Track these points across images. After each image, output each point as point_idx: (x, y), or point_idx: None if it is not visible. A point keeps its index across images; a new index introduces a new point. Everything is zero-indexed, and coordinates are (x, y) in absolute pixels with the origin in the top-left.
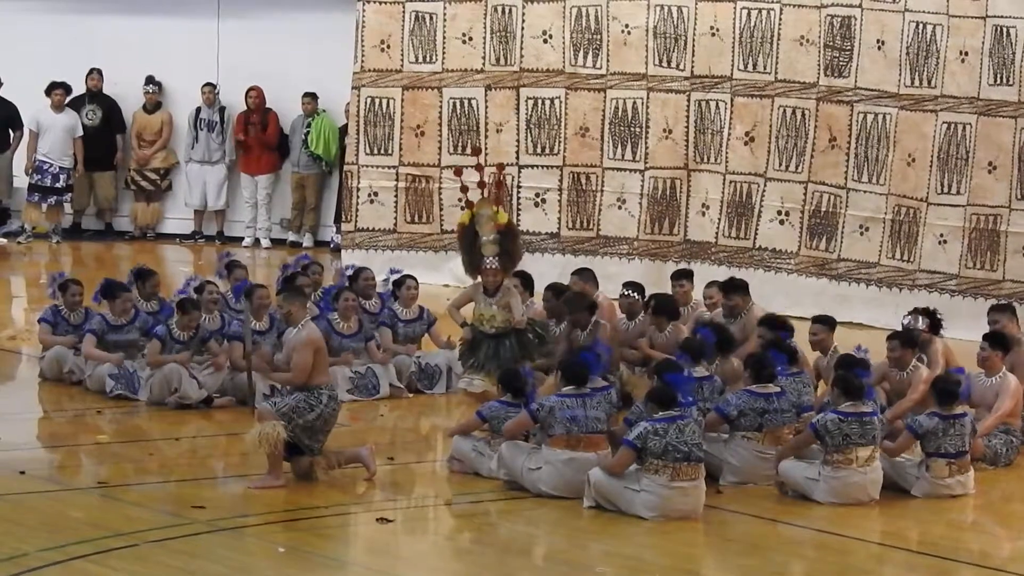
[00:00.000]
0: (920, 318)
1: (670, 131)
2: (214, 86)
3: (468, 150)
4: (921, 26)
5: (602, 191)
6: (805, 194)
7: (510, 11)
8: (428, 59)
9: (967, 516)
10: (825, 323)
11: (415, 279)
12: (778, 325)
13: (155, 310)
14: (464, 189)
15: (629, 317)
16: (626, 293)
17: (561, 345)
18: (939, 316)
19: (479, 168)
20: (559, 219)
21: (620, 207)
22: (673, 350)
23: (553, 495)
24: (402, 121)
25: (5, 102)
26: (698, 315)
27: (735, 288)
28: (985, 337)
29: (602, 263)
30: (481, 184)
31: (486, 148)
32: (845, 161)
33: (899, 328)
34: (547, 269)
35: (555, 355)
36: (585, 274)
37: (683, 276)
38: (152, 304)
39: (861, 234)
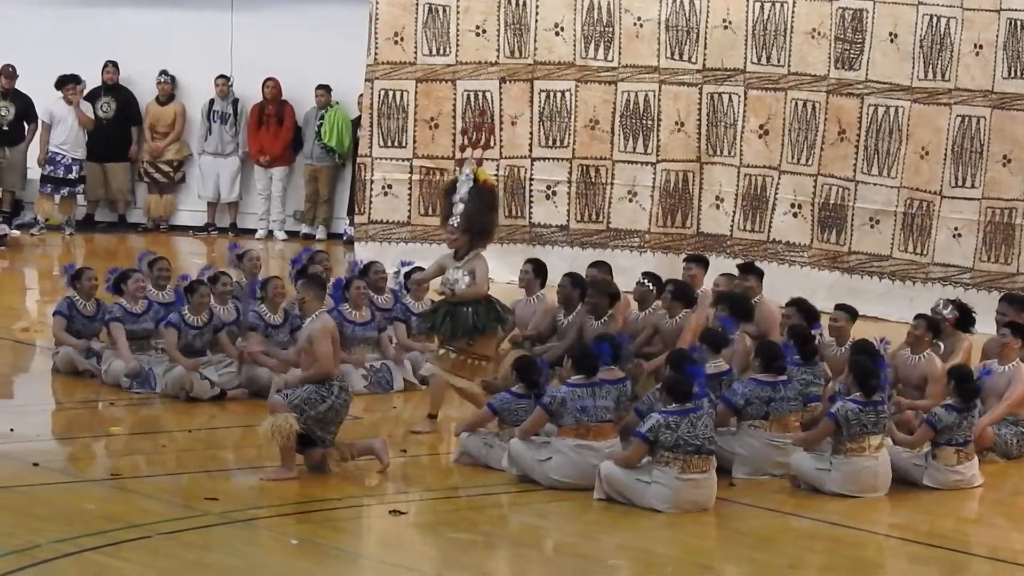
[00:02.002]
0: (951, 307)
1: (682, 124)
2: (227, 78)
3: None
4: (935, 19)
5: (612, 184)
6: (815, 187)
7: (523, 3)
8: (442, 52)
9: (978, 509)
10: (847, 312)
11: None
12: (807, 311)
13: (170, 300)
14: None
15: (641, 306)
16: (642, 282)
17: (572, 333)
18: (972, 314)
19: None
20: (568, 211)
21: (631, 200)
22: (678, 338)
23: (565, 484)
24: (416, 113)
25: (20, 95)
26: (703, 299)
27: (752, 270)
28: (1006, 324)
29: (612, 256)
30: (473, 143)
31: (501, 141)
32: (854, 154)
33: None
34: (556, 262)
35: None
36: (602, 267)
37: (694, 261)
38: (167, 294)
39: (871, 227)
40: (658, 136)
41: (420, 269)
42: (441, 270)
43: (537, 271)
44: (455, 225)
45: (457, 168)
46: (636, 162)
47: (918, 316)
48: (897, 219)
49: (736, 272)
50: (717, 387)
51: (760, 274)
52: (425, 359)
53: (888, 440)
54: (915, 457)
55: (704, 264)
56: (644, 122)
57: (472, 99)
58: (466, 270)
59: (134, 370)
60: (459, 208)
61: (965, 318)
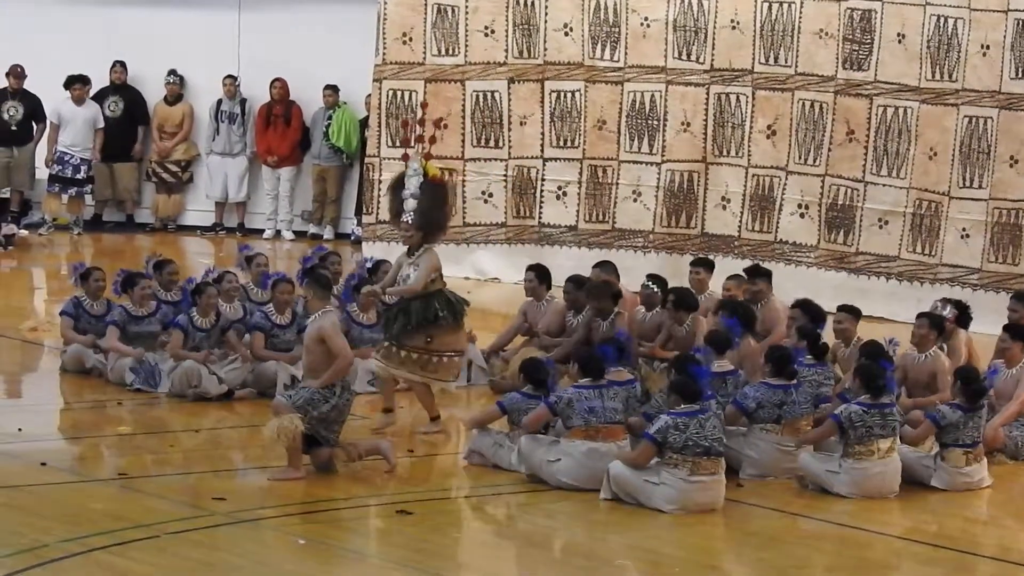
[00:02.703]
0: (950, 307)
1: (688, 124)
2: (235, 78)
3: (491, 143)
4: (942, 20)
5: (618, 184)
6: (822, 187)
7: (532, 3)
8: (451, 52)
9: (987, 510)
10: (850, 312)
11: None
12: (813, 312)
13: (176, 300)
14: (405, 142)
15: (647, 308)
16: (647, 284)
17: (578, 334)
18: (969, 311)
19: (418, 124)
20: (577, 212)
21: (636, 200)
22: (692, 344)
23: (573, 486)
24: (424, 114)
25: (29, 95)
26: (710, 302)
27: (760, 273)
28: (1005, 328)
29: (618, 256)
30: (419, 138)
31: (510, 141)
32: (863, 154)
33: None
34: (564, 262)
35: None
36: (607, 267)
37: (700, 264)
38: (174, 294)
39: (880, 227)
40: (663, 136)
41: None
42: (399, 267)
43: (540, 277)
44: (408, 222)
45: (406, 163)
46: (641, 162)
47: (920, 315)
48: (906, 220)
49: (744, 274)
50: (722, 386)
51: (768, 276)
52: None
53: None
54: (924, 458)
55: (710, 267)
56: (650, 122)
57: (481, 99)
58: (416, 266)
59: (139, 356)
60: (410, 204)
61: (964, 316)
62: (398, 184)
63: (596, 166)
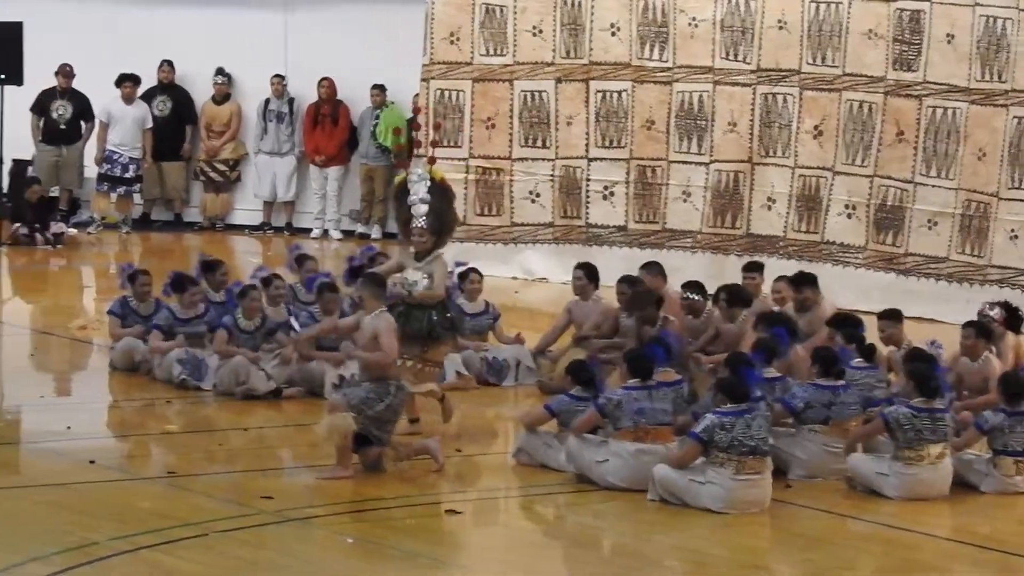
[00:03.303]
0: (998, 308)
1: (735, 124)
2: (283, 77)
3: (539, 143)
4: (992, 20)
5: (667, 184)
6: (871, 188)
7: (579, 4)
8: (499, 52)
9: None
10: (891, 317)
11: (479, 272)
12: (848, 324)
13: (222, 300)
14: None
15: (694, 317)
16: (686, 295)
17: (629, 340)
18: (1019, 312)
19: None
20: (626, 212)
21: (685, 200)
22: (739, 341)
23: (621, 487)
24: (472, 113)
25: (78, 94)
26: (761, 307)
27: (806, 281)
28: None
29: (667, 256)
30: (397, 131)
31: (557, 141)
32: (913, 155)
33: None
34: (614, 263)
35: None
36: (653, 268)
37: (754, 269)
38: (222, 295)
39: (929, 228)
40: (711, 136)
41: (474, 271)
42: (399, 268)
43: (589, 276)
44: (423, 226)
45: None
46: (690, 162)
47: (966, 324)
48: (955, 221)
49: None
50: (771, 391)
51: (814, 282)
52: (480, 357)
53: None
54: (977, 461)
55: (763, 271)
56: (698, 122)
57: (529, 99)
58: (425, 272)
59: (180, 344)
60: (421, 209)
61: (1013, 318)
62: (402, 191)
63: (644, 166)
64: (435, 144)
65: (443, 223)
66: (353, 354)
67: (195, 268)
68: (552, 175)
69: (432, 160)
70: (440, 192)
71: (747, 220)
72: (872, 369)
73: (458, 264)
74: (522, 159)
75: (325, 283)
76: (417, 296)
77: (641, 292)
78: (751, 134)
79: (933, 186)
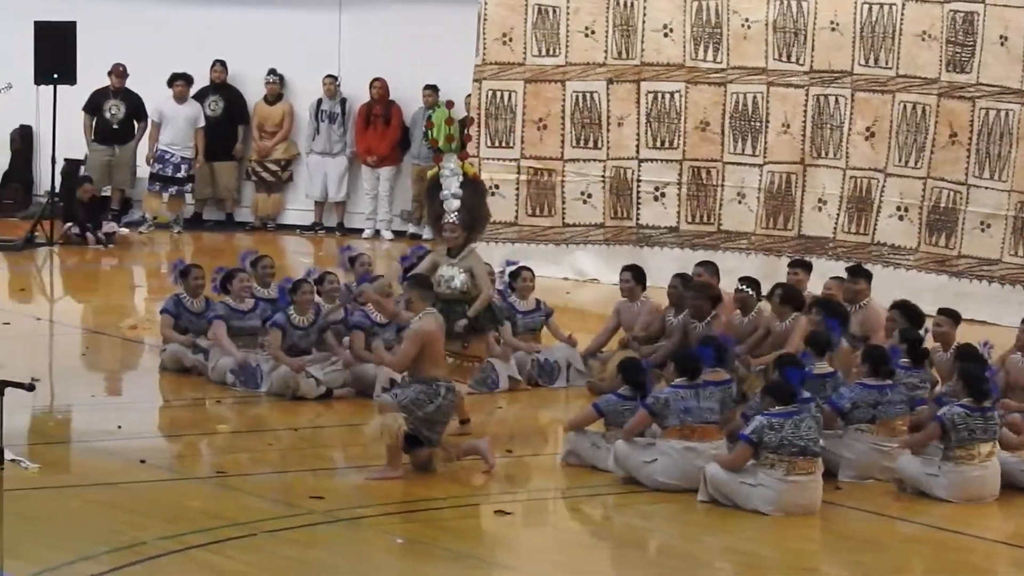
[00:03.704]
0: None
1: (788, 126)
2: (335, 78)
3: (590, 143)
4: None
5: (722, 185)
6: (924, 190)
7: (631, 4)
8: (551, 52)
9: None
10: (950, 316)
11: (531, 270)
12: (911, 314)
13: (273, 297)
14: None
15: (744, 312)
16: (741, 288)
17: (676, 335)
18: None
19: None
20: (678, 213)
21: (740, 201)
22: (786, 341)
23: (670, 486)
24: (524, 114)
25: (131, 93)
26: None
27: (861, 273)
28: None
29: (722, 257)
30: (449, 138)
31: (608, 142)
32: (966, 157)
33: None
34: (666, 263)
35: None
36: (709, 267)
37: (799, 265)
38: (270, 291)
39: (982, 231)
40: (765, 138)
41: (526, 268)
42: (433, 266)
43: (637, 278)
44: (455, 222)
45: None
46: (745, 164)
47: None
48: (1007, 223)
49: (845, 275)
50: (822, 388)
51: (869, 276)
52: (531, 359)
53: (998, 447)
54: (1023, 463)
55: (808, 268)
56: (753, 124)
57: (580, 100)
58: (462, 267)
59: (241, 362)
60: (453, 204)
61: None
62: (434, 186)
63: (698, 167)
64: (468, 139)
65: (475, 218)
66: (364, 355)
67: (240, 263)
68: (603, 176)
69: (464, 156)
70: (472, 187)
71: (799, 221)
72: (917, 369)
73: (509, 263)
74: (573, 160)
75: (376, 276)
76: (475, 309)
77: (702, 284)
78: (803, 135)
79: (986, 188)
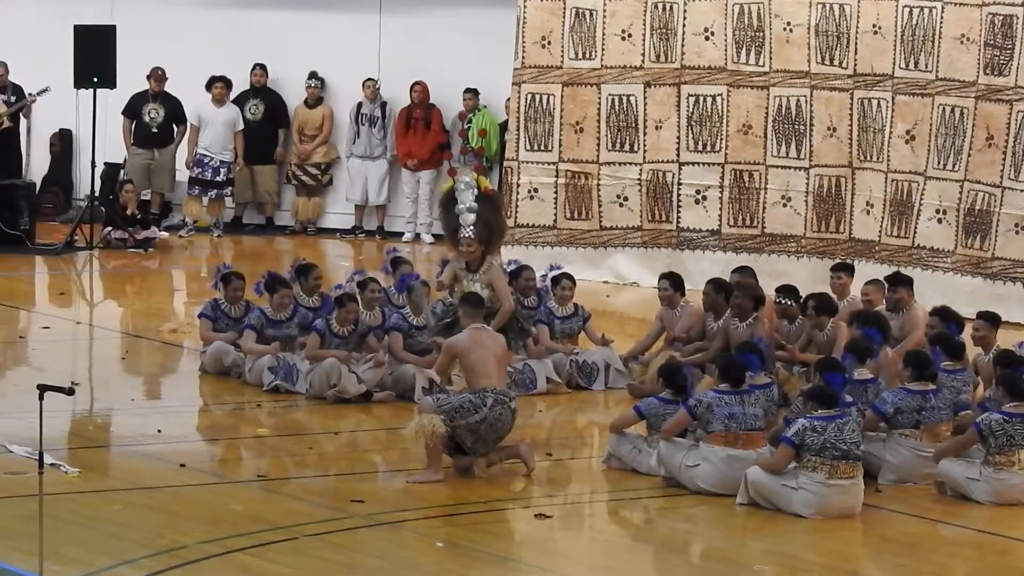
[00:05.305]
0: None
1: (834, 129)
2: (375, 81)
3: (626, 147)
4: None
5: (766, 188)
6: (961, 192)
7: (671, 8)
8: (588, 56)
9: None
10: (989, 319)
11: (572, 280)
12: (951, 318)
13: (316, 305)
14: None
15: (788, 322)
16: (779, 300)
17: (718, 340)
18: None
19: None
20: (720, 216)
21: (785, 205)
22: (832, 348)
23: (711, 492)
24: (562, 117)
25: (170, 97)
26: (850, 307)
27: (901, 281)
28: None
29: (769, 261)
30: (463, 150)
31: (644, 145)
32: (1001, 159)
33: None
34: (708, 266)
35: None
36: (746, 272)
37: (842, 269)
38: (314, 300)
39: (1016, 233)
40: (810, 141)
41: (567, 277)
42: (453, 279)
43: (675, 286)
44: (471, 236)
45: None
46: (789, 167)
47: None
48: None
49: (882, 278)
50: (863, 394)
51: (909, 284)
52: (570, 360)
53: None
54: None
55: (851, 271)
56: (796, 127)
57: (616, 103)
58: (483, 283)
59: (275, 351)
60: (469, 218)
61: None
62: (449, 200)
63: (741, 171)
64: (481, 151)
65: (492, 232)
66: (403, 356)
67: (289, 271)
68: (639, 179)
69: (479, 168)
70: (488, 200)
71: (850, 225)
72: (960, 371)
73: (552, 268)
74: (609, 163)
75: (412, 284)
76: (497, 322)
77: (747, 284)
78: (850, 139)
79: (1020, 191)
